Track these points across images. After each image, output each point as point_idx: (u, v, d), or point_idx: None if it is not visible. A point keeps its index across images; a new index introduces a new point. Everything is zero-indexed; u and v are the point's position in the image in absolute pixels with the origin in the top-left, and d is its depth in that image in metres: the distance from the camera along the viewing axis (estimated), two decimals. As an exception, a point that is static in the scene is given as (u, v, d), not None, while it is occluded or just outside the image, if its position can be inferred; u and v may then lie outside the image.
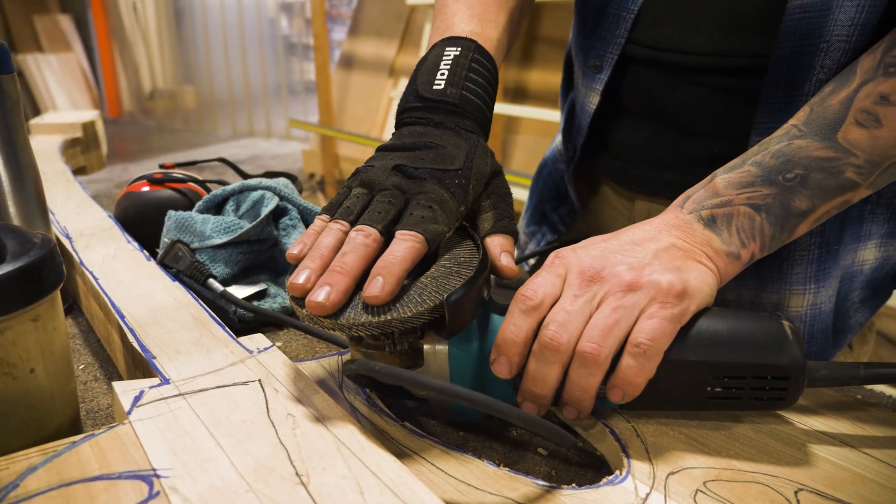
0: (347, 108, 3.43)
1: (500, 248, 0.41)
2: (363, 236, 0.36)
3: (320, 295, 0.34)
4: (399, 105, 0.44)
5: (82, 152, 1.08)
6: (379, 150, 0.41)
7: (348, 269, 0.34)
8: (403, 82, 2.94)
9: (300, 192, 0.75)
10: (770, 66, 0.45)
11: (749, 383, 0.35)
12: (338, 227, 0.37)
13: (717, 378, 0.36)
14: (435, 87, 0.42)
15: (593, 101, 0.54)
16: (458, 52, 0.43)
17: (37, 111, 5.43)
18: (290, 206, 0.60)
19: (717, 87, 0.49)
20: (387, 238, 0.37)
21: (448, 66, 0.43)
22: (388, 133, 3.19)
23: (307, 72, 5.23)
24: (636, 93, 0.53)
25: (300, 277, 0.35)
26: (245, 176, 0.81)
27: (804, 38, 0.44)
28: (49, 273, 0.34)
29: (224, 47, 5.21)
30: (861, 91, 0.39)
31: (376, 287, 0.34)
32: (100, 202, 0.90)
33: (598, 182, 0.61)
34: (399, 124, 0.43)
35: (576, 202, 0.62)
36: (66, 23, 5.80)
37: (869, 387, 0.49)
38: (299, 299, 0.36)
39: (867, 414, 0.40)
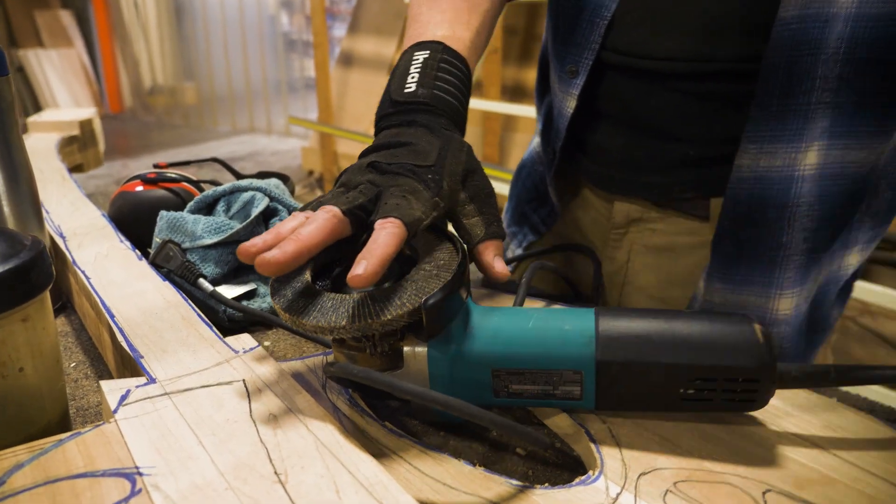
0: (347, 105, 3.44)
1: (492, 254, 0.42)
2: (323, 212, 0.36)
3: (269, 254, 0.34)
4: (376, 113, 0.45)
5: (79, 150, 1.09)
6: (360, 155, 0.43)
7: (302, 238, 0.35)
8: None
9: (292, 192, 0.76)
10: (763, 73, 0.46)
11: (720, 385, 0.36)
12: (303, 214, 0.38)
13: (689, 380, 0.36)
14: (406, 90, 0.43)
15: (570, 105, 0.55)
16: (426, 55, 0.44)
17: (37, 106, 5.43)
18: (280, 207, 0.61)
19: (690, 92, 0.50)
20: (353, 221, 0.37)
21: (418, 69, 0.43)
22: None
23: (307, 68, 5.24)
24: (612, 98, 0.54)
25: (248, 243, 0.35)
26: (238, 176, 0.81)
27: (800, 47, 0.44)
28: (39, 274, 0.35)
29: (224, 44, 5.21)
30: None
31: (359, 268, 0.33)
32: (96, 200, 0.91)
33: (577, 183, 0.62)
34: (377, 131, 0.44)
35: (556, 203, 0.63)
36: (67, 18, 5.81)
37: (844, 388, 0.50)
38: (281, 301, 0.36)
39: (839, 416, 0.40)
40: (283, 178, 0.78)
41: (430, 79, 0.43)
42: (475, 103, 2.36)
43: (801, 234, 0.49)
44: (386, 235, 0.35)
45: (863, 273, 2.35)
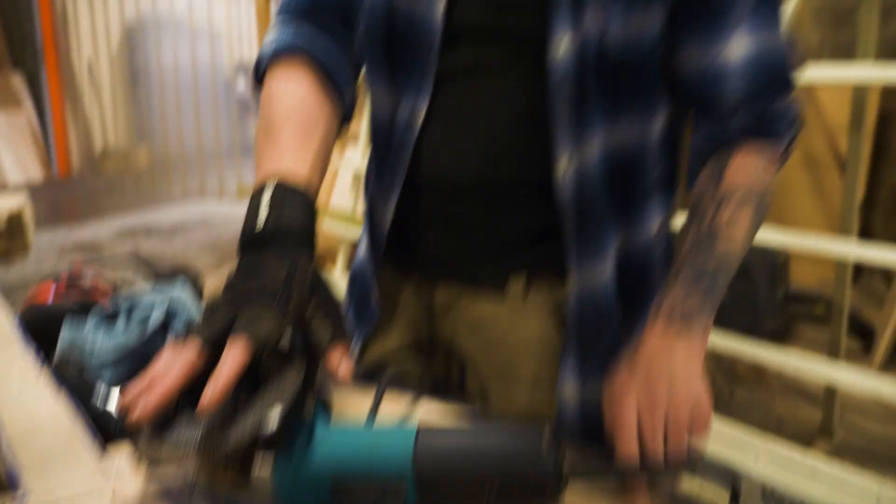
0: (295, 173, 3.52)
1: (338, 358, 0.49)
2: (185, 351, 0.44)
3: (138, 412, 0.41)
4: (238, 245, 0.53)
5: (6, 241, 1.13)
6: (225, 283, 0.50)
7: (166, 386, 0.42)
8: (352, 148, 3.07)
9: (201, 290, 0.83)
10: (568, 223, 0.60)
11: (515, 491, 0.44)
12: (174, 349, 0.45)
13: (490, 490, 0.44)
14: (257, 227, 0.51)
15: (388, 215, 0.66)
16: (272, 192, 0.53)
17: (-19, 171, 5.35)
18: (179, 311, 0.67)
19: (487, 198, 0.62)
20: (215, 346, 0.44)
21: (266, 207, 0.52)
22: (335, 198, 3.30)
23: (261, 133, 5.33)
24: (422, 208, 0.65)
25: (126, 397, 0.42)
26: (154, 273, 0.88)
27: (584, 189, 0.59)
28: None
29: (178, 108, 5.26)
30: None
31: (205, 399, 0.41)
32: (19, 297, 0.94)
33: (403, 276, 0.71)
34: (238, 261, 0.52)
35: (374, 306, 0.71)
36: (16, 80, 5.80)
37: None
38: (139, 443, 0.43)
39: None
40: (193, 276, 0.84)
41: (277, 210, 0.52)
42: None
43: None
44: (231, 357, 0.43)
45: (785, 331, 2.48)
